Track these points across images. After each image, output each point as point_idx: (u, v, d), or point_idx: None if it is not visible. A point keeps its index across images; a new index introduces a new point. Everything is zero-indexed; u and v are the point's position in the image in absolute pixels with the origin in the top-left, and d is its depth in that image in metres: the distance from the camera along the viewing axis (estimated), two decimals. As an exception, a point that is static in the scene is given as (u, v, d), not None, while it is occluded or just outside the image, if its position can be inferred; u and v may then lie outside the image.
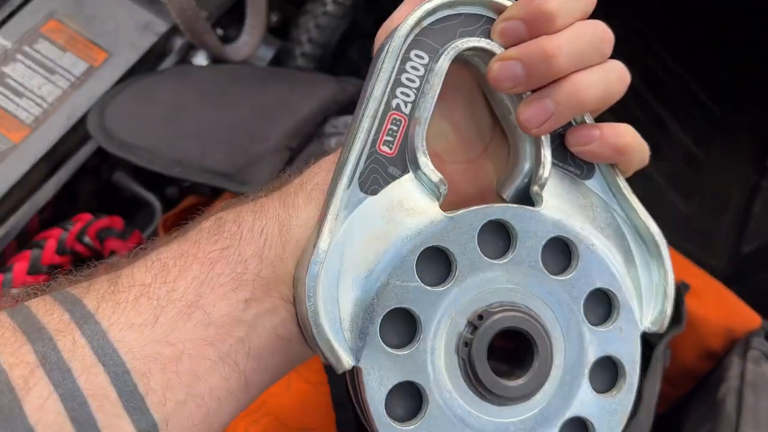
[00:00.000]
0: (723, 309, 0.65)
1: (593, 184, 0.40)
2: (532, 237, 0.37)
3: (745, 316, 0.65)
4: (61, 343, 0.33)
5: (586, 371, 0.37)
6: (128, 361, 0.33)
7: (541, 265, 0.37)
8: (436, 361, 0.35)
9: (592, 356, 0.37)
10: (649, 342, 0.63)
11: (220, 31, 0.87)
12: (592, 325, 0.38)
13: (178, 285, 0.36)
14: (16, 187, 0.71)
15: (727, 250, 1.08)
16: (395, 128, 0.37)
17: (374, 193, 0.36)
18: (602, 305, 0.38)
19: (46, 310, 0.35)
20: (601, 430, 0.38)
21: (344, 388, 0.53)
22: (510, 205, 0.37)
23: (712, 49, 1.24)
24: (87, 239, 0.73)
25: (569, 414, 0.37)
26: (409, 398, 0.35)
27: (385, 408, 0.34)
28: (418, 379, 0.35)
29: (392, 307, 0.34)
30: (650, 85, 1.25)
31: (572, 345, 0.37)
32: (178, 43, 0.80)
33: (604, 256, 0.38)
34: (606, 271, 0.38)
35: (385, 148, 0.37)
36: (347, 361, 0.34)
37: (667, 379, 0.66)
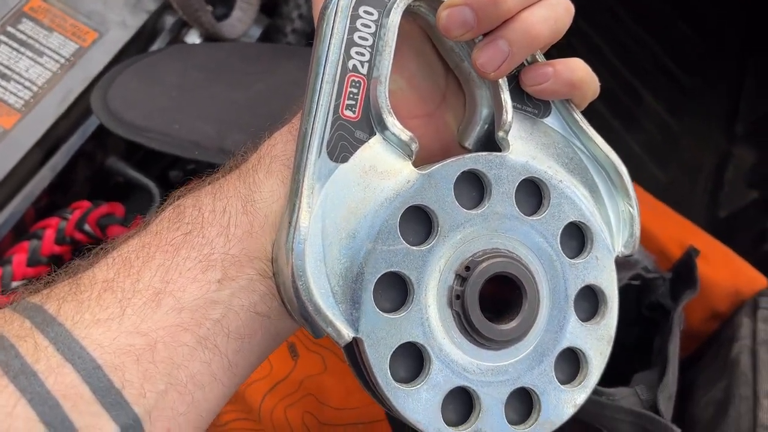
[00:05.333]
0: (730, 271, 0.68)
1: (551, 121, 0.40)
2: (505, 182, 0.37)
3: (751, 277, 0.68)
4: (23, 348, 0.32)
5: (571, 303, 0.39)
6: (98, 357, 0.32)
7: (516, 208, 0.37)
8: (432, 319, 0.35)
9: (573, 288, 0.39)
10: (664, 307, 0.65)
11: (209, 8, 0.84)
12: (570, 258, 0.39)
13: (142, 275, 0.34)
14: (11, 175, 0.68)
15: (704, 216, 1.11)
16: (355, 91, 0.36)
17: (344, 160, 0.35)
18: (576, 238, 0.40)
19: (5, 321, 0.33)
20: (592, 356, 0.39)
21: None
22: (480, 153, 0.37)
23: (682, 19, 1.27)
24: (87, 227, 0.70)
25: (561, 346, 0.38)
26: (410, 359, 0.35)
27: (390, 372, 0.34)
28: (416, 339, 0.35)
29: (382, 272, 0.34)
30: (621, 56, 1.27)
31: (555, 281, 0.38)
32: (169, 21, 0.78)
33: (573, 191, 0.39)
34: (576, 205, 0.39)
35: (348, 113, 0.36)
36: (347, 333, 0.33)
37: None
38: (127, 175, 0.76)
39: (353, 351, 0.35)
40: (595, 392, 0.55)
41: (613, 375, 0.58)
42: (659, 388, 0.56)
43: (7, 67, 0.72)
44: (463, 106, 0.42)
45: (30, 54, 0.73)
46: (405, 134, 0.36)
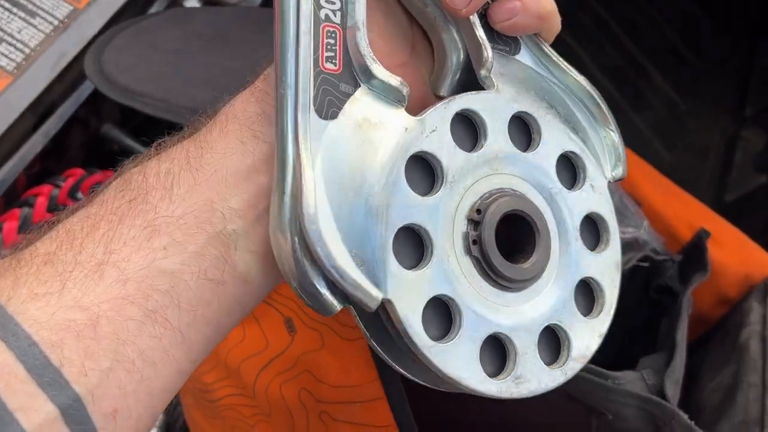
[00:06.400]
0: (741, 254, 0.66)
1: (523, 57, 0.40)
2: (497, 120, 0.37)
3: (762, 262, 0.66)
4: None
5: (577, 234, 0.38)
6: (34, 333, 0.29)
7: (512, 145, 0.37)
8: (453, 269, 0.34)
9: (576, 219, 0.39)
10: (673, 290, 0.63)
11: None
12: (568, 189, 0.39)
13: (85, 247, 0.32)
14: (2, 139, 0.66)
15: (711, 200, 1.10)
16: (332, 42, 0.34)
17: (334, 116, 0.33)
18: (568, 170, 0.40)
19: None
20: (606, 285, 0.39)
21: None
22: (469, 93, 0.36)
23: (693, -2, 1.24)
24: (80, 195, 0.68)
25: (576, 278, 0.38)
26: (439, 315, 0.34)
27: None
28: (444, 292, 0.33)
29: (398, 228, 0.33)
30: (631, 34, 1.25)
31: (559, 213, 0.38)
32: (168, -17, 0.75)
33: (558, 123, 0.39)
34: (564, 137, 0.39)
35: (329, 65, 0.33)
36: (378, 294, 0.31)
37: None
38: (122, 143, 0.74)
39: (373, 318, 0.33)
40: (600, 375, 0.54)
41: (618, 358, 0.56)
42: (666, 372, 0.54)
43: (-2, 27, 0.69)
44: (431, 56, 0.40)
45: (22, 14, 0.70)
46: (394, 79, 0.34)
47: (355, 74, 0.34)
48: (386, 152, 0.33)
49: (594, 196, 0.39)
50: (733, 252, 0.66)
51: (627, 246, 0.66)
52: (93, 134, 0.74)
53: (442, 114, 0.35)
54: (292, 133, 0.32)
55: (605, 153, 0.41)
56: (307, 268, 0.31)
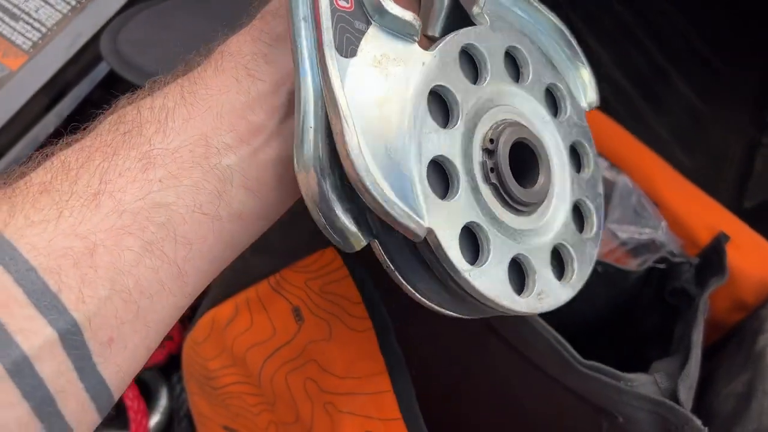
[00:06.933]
0: (760, 260, 0.64)
1: None
2: (494, 54, 0.38)
3: (782, 268, 0.64)
4: None
5: (567, 160, 0.41)
6: (31, 258, 0.29)
7: (509, 78, 0.39)
8: (477, 197, 0.35)
9: (564, 145, 0.41)
10: (689, 294, 0.62)
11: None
12: (555, 119, 0.41)
13: (80, 177, 0.31)
14: (15, 118, 0.66)
15: (729, 206, 1.08)
16: None
17: (353, 54, 0.33)
18: (551, 99, 0.42)
19: None
20: (593, 208, 0.43)
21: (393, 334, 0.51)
22: (468, 29, 0.38)
23: (719, 3, 1.22)
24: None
25: (572, 200, 0.41)
26: (467, 242, 0.35)
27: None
28: (474, 219, 0.35)
29: (430, 159, 0.34)
30: (653, 36, 1.23)
31: (552, 140, 0.40)
32: (187, -33, 0.75)
33: (541, 57, 0.41)
34: (547, 70, 0.42)
35: (342, 3, 0.34)
36: (426, 223, 0.32)
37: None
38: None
39: (400, 252, 0.34)
40: (612, 376, 0.52)
41: (631, 361, 0.55)
42: (680, 377, 0.53)
43: (16, 5, 0.69)
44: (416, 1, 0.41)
45: (40, -6, 0.70)
46: (407, 14, 0.34)
47: (366, 12, 0.34)
48: (409, 87, 0.34)
49: (577, 125, 0.43)
50: (752, 257, 0.64)
51: (644, 247, 0.64)
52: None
53: (451, 48, 0.36)
54: (319, 69, 0.32)
55: (578, 85, 0.44)
56: (334, 202, 0.32)
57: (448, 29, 0.39)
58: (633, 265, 0.63)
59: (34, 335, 0.28)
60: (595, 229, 0.42)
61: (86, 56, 0.69)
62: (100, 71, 0.70)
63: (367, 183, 0.31)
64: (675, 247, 0.63)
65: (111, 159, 0.32)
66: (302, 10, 0.33)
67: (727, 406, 0.60)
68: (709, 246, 0.64)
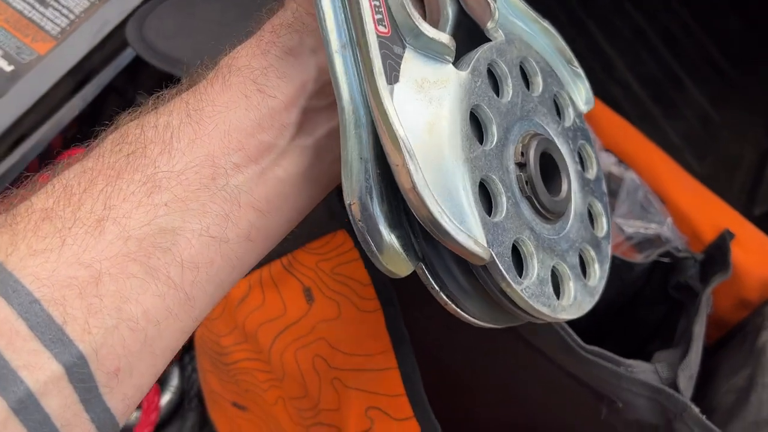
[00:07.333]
0: (764, 257, 0.65)
1: (501, 8, 0.41)
2: (512, 67, 0.39)
3: (786, 267, 0.65)
4: None
5: (579, 166, 0.42)
6: (35, 290, 0.28)
7: (526, 90, 0.39)
8: (518, 212, 0.36)
9: (574, 150, 0.42)
10: (693, 289, 0.63)
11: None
12: (563, 125, 0.42)
13: (83, 202, 0.30)
14: (42, 100, 0.68)
15: (739, 212, 1.08)
16: (377, 4, 0.33)
17: (396, 80, 0.32)
18: (555, 106, 0.43)
19: None
20: (601, 208, 0.43)
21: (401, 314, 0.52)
22: (488, 44, 0.38)
23: (733, 10, 1.23)
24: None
25: (586, 203, 0.42)
26: (513, 258, 0.35)
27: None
28: (519, 235, 0.35)
29: (478, 181, 0.33)
30: (667, 42, 1.24)
31: (564, 147, 0.41)
32: (212, -42, 0.77)
33: (544, 66, 0.42)
34: (552, 75, 0.42)
35: (381, 28, 0.33)
36: (487, 247, 0.32)
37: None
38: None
39: (448, 274, 0.34)
40: (612, 361, 0.54)
41: (633, 355, 0.56)
42: (680, 366, 0.54)
43: (46, -8, 0.71)
44: (421, 6, 0.40)
45: (70, -19, 0.72)
46: (443, 36, 0.34)
47: (401, 36, 0.34)
48: (453, 108, 0.33)
49: (580, 130, 0.43)
50: (756, 256, 0.65)
51: (648, 242, 0.66)
52: (129, 103, 0.76)
53: (480, 65, 0.36)
54: (363, 97, 0.32)
55: (575, 90, 0.45)
56: (385, 230, 0.32)
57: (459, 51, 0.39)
58: (638, 259, 0.64)
59: (40, 370, 0.28)
60: (606, 227, 0.43)
61: (112, 43, 0.71)
62: (125, 58, 0.72)
63: (437, 217, 0.30)
64: (680, 243, 0.65)
65: (114, 183, 0.31)
66: (340, 35, 0.32)
67: (727, 400, 0.61)
68: (714, 242, 0.65)
